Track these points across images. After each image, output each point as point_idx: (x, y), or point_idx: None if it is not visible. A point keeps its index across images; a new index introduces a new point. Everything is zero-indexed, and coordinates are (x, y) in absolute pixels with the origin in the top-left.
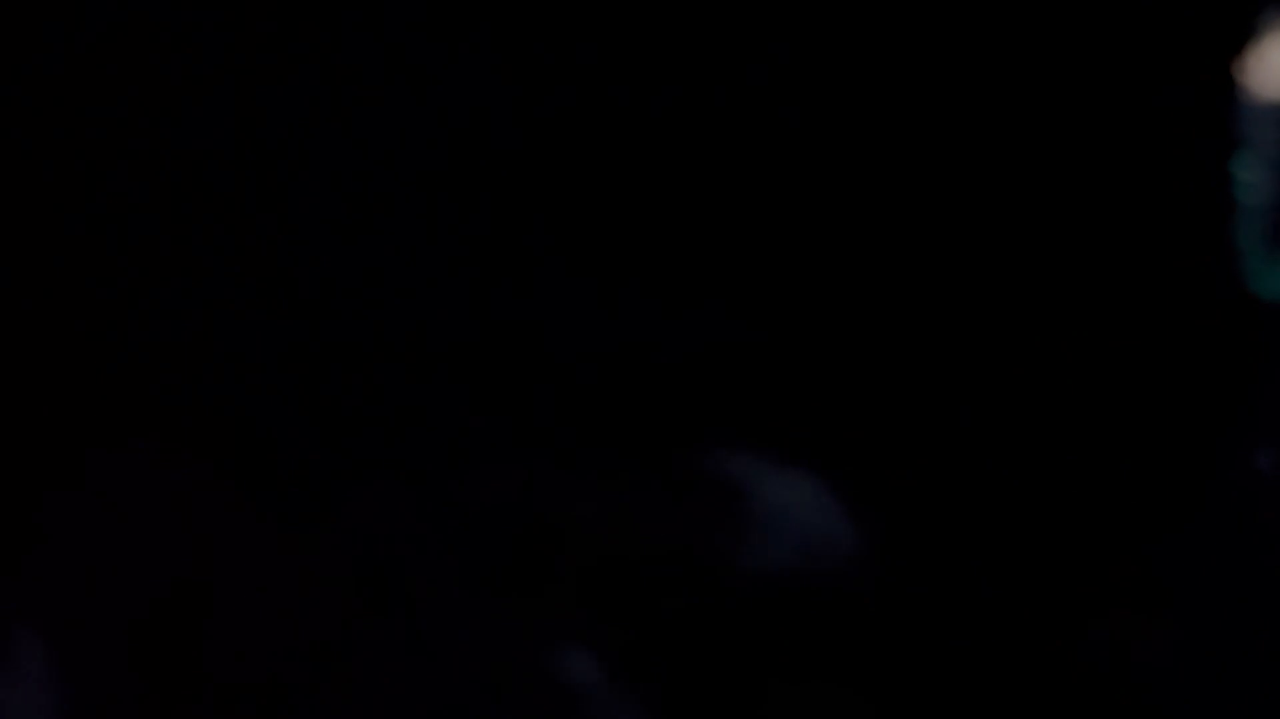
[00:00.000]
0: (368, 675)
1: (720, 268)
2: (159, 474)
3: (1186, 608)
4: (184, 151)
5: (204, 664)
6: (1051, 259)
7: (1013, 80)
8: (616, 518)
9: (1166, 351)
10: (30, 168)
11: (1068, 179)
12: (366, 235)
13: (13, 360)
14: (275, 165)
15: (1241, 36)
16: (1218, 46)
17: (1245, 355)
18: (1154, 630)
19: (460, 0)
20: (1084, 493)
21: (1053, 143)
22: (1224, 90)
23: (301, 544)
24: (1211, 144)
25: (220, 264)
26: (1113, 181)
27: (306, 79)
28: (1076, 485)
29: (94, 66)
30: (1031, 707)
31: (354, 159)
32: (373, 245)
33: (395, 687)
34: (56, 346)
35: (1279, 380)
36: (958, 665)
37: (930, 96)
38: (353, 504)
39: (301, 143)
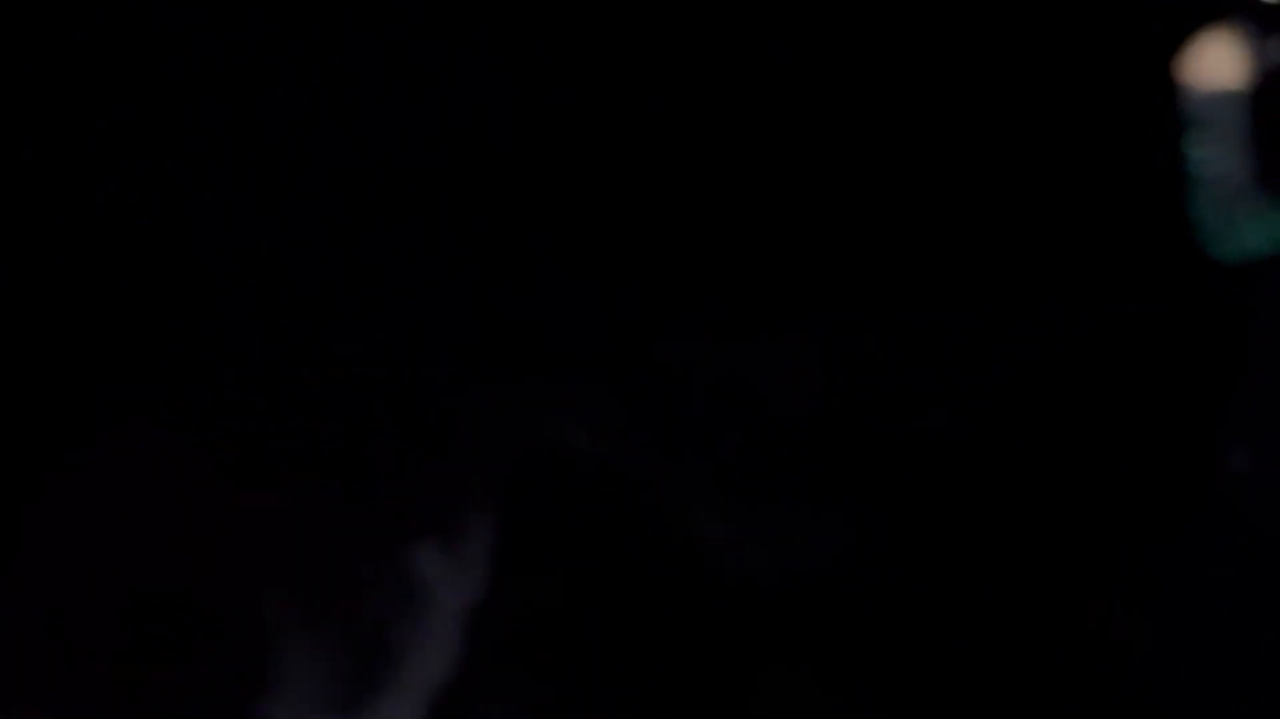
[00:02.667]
0: (366, 671)
1: (719, 266)
2: (158, 473)
3: (1177, 606)
4: (185, 151)
5: (201, 661)
6: (1043, 262)
7: (972, 87)
8: (615, 514)
9: (1147, 352)
10: (31, 167)
11: (1044, 176)
12: (367, 235)
13: (12, 360)
14: (276, 165)
15: (1185, 33)
16: (1165, 42)
17: (1220, 358)
18: (1145, 627)
19: (460, 0)
20: (1079, 494)
21: (1027, 143)
22: (1172, 79)
23: (301, 542)
24: (1164, 127)
25: (220, 263)
26: (1077, 172)
27: (307, 79)
28: (1071, 486)
29: (95, 66)
30: (1029, 705)
31: (354, 159)
32: (373, 245)
33: (392, 681)
34: (57, 345)
35: (1252, 384)
36: (957, 665)
37: (910, 97)
38: (352, 501)
39: (302, 143)
